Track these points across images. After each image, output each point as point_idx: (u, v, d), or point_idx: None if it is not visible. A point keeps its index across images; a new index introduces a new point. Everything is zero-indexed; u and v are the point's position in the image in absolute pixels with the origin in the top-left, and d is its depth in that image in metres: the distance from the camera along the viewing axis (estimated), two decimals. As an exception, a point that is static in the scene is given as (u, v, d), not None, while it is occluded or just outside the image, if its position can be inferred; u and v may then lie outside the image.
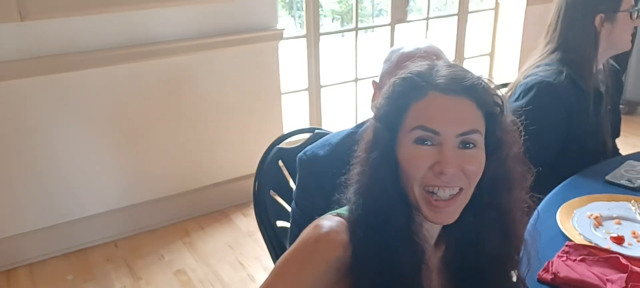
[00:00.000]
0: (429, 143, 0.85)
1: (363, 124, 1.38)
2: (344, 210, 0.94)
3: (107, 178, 2.81)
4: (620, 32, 1.78)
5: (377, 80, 1.33)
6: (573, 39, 1.78)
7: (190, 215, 3.10)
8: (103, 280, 2.60)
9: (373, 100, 1.33)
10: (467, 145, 0.86)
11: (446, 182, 0.85)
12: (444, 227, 0.94)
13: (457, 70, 0.89)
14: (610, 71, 1.96)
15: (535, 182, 1.78)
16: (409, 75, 0.89)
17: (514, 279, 1.02)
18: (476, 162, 0.87)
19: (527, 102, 1.74)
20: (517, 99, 1.77)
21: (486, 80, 0.90)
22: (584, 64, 1.77)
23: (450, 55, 4.18)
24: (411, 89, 0.87)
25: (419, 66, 0.90)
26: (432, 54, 1.22)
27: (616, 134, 2.06)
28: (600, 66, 1.87)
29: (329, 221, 0.90)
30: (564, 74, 1.73)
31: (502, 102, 0.90)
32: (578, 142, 1.80)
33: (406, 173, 0.87)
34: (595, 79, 1.81)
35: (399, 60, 1.23)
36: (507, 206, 0.94)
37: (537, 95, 1.72)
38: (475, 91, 0.87)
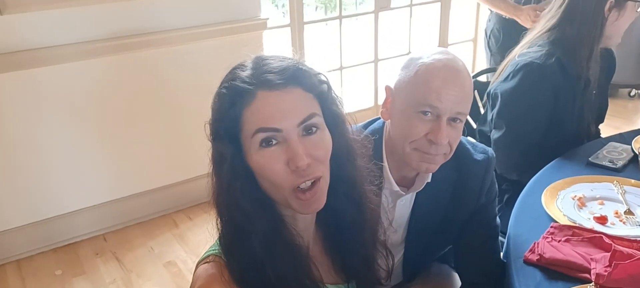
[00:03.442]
0: (274, 142, 0.85)
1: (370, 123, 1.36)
2: (213, 246, 0.94)
3: (94, 172, 2.79)
4: (623, 22, 1.77)
5: (392, 85, 1.25)
6: (580, 17, 1.75)
7: (178, 207, 3.09)
8: (92, 274, 2.60)
9: (384, 105, 1.26)
10: (310, 131, 0.86)
11: (305, 175, 0.85)
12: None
13: (277, 63, 0.88)
14: (603, 55, 1.96)
15: (522, 163, 1.81)
16: (232, 83, 0.87)
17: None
18: (323, 144, 0.88)
19: (516, 84, 1.75)
20: (506, 79, 1.78)
21: (304, 63, 0.90)
22: (582, 45, 1.75)
23: (434, 43, 4.20)
24: (238, 96, 0.86)
25: (241, 70, 0.89)
26: (451, 68, 1.17)
27: (600, 119, 2.08)
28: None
29: (204, 278, 0.88)
30: (554, 57, 1.73)
31: (326, 78, 0.92)
32: (562, 125, 1.82)
33: (266, 179, 0.87)
34: (594, 63, 1.79)
35: (418, 72, 1.18)
36: (354, 177, 0.96)
37: (526, 77, 1.73)
38: (299, 77, 0.87)
